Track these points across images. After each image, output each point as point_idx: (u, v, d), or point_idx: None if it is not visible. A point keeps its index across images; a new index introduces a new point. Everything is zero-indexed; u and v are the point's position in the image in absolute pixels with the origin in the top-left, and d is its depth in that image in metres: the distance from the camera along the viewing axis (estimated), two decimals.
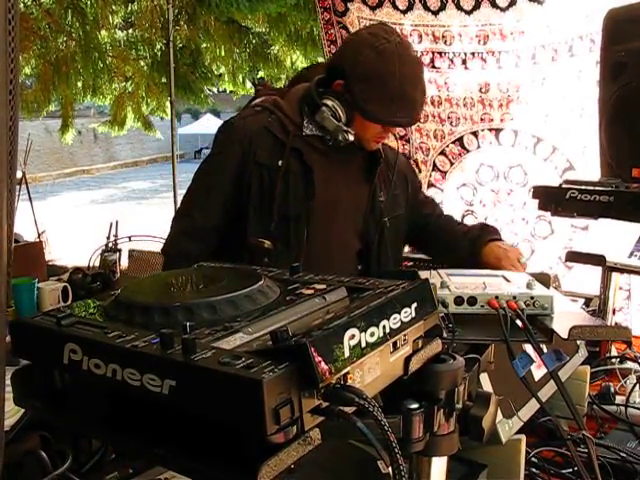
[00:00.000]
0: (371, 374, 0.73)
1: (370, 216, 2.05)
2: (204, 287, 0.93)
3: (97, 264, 3.87)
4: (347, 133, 1.88)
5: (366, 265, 2.04)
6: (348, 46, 1.99)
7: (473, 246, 2.06)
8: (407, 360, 0.81)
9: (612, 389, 1.77)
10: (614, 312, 2.10)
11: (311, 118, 1.94)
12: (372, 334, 0.72)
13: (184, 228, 1.99)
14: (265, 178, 1.91)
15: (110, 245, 4.34)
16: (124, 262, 4.38)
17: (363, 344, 0.70)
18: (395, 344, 0.77)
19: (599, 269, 2.08)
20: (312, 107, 1.93)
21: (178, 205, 3.52)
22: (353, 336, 0.69)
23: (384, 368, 0.76)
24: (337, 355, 0.66)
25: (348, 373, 0.68)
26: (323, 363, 0.64)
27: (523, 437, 1.30)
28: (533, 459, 1.43)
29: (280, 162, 1.91)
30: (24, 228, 5.99)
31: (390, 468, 0.67)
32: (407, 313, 0.79)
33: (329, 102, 1.89)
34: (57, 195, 18.39)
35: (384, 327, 0.74)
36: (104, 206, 15.80)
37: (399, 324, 0.77)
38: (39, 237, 6.14)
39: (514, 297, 1.24)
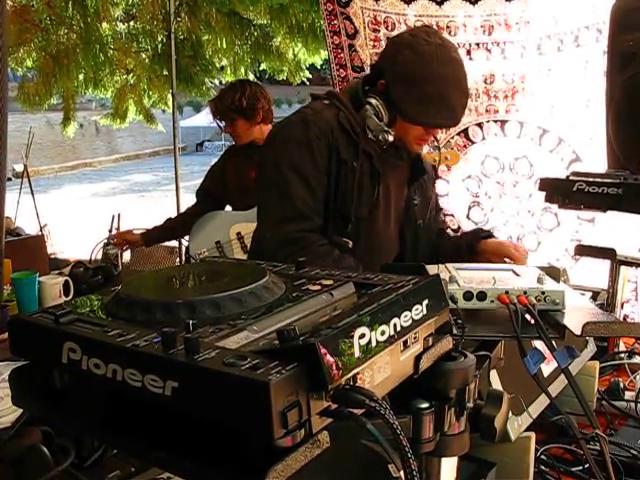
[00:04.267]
0: (381, 374, 0.70)
1: (406, 220, 2.09)
2: (207, 283, 0.90)
3: (99, 257, 3.84)
4: (387, 133, 1.88)
5: None
6: (389, 47, 1.97)
7: (471, 247, 2.09)
8: (418, 358, 0.78)
9: (621, 385, 1.74)
10: (622, 306, 2.08)
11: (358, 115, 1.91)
12: (383, 332, 0.69)
13: (304, 229, 1.85)
14: (343, 177, 1.88)
15: (112, 238, 4.30)
16: (126, 255, 4.36)
17: (373, 343, 0.68)
18: (406, 342, 0.75)
19: (605, 262, 2.05)
20: (357, 104, 1.92)
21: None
22: (363, 335, 0.66)
23: (394, 367, 0.73)
24: (347, 355, 0.64)
25: (358, 373, 0.66)
26: (332, 363, 0.61)
27: (533, 435, 1.28)
28: (542, 456, 1.41)
29: (355, 163, 1.88)
30: (26, 221, 5.96)
31: (402, 472, 0.64)
32: (418, 310, 0.76)
33: (373, 101, 1.88)
34: (59, 188, 18.38)
35: (395, 325, 0.72)
36: (106, 199, 15.79)
37: (410, 322, 0.74)
38: (41, 230, 6.11)
39: (525, 292, 1.21)
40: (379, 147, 1.92)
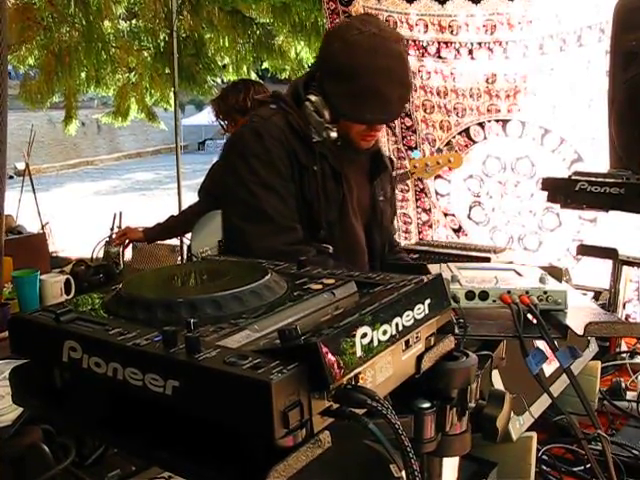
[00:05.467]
0: (383, 373, 0.70)
1: (372, 217, 1.99)
2: (209, 282, 0.90)
3: (101, 256, 3.84)
4: (329, 130, 1.76)
5: (372, 266, 1.99)
6: (324, 37, 1.86)
7: None
8: (419, 358, 0.78)
9: (623, 385, 1.74)
10: (624, 305, 2.07)
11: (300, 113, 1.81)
12: (384, 332, 0.69)
13: (291, 241, 1.76)
14: (306, 184, 1.78)
15: (114, 237, 4.30)
16: (128, 254, 4.36)
17: (375, 342, 0.67)
18: (407, 342, 0.75)
19: (607, 262, 2.05)
20: (298, 101, 1.81)
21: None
22: (365, 334, 0.66)
23: (396, 367, 0.73)
24: (348, 354, 0.63)
25: (360, 373, 0.65)
26: (334, 363, 0.61)
27: (534, 434, 1.27)
28: (544, 456, 1.41)
29: (315, 167, 1.78)
30: (27, 220, 5.97)
31: (403, 472, 0.64)
32: (420, 310, 0.76)
33: (312, 97, 1.77)
34: (61, 186, 18.38)
35: (397, 325, 0.71)
36: (108, 197, 15.80)
37: (412, 321, 0.74)
38: (42, 228, 6.12)
39: (527, 292, 1.21)
40: (332, 144, 1.80)
